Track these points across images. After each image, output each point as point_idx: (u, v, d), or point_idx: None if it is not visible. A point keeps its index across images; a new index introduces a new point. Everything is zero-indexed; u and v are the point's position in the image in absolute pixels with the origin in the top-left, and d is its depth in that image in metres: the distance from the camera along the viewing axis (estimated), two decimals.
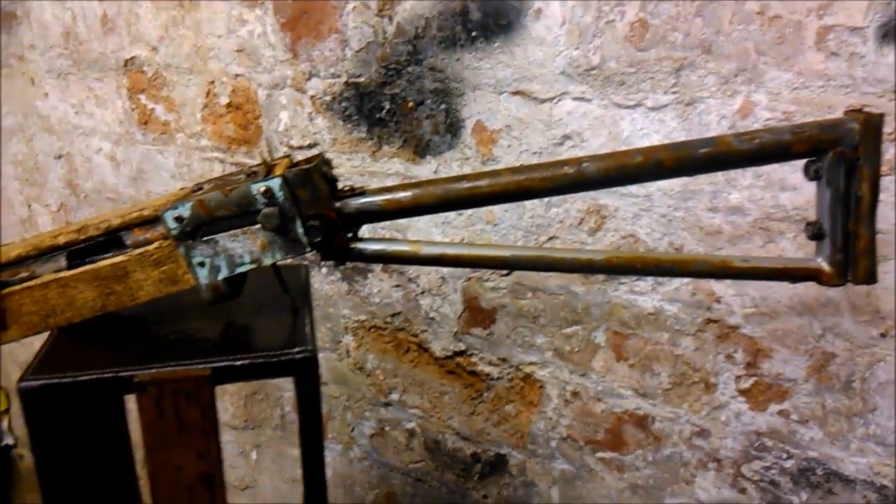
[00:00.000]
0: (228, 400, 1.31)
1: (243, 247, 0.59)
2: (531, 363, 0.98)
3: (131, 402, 0.56)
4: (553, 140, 0.89)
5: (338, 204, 0.59)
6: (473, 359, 1.03)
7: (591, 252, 0.61)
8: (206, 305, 0.60)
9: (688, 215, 0.83)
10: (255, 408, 1.29)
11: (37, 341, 0.63)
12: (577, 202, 0.90)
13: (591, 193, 0.88)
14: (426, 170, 0.99)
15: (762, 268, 0.61)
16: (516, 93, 0.89)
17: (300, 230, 0.58)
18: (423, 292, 1.05)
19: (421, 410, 1.11)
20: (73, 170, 1.39)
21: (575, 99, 0.86)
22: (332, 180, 0.60)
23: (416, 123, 0.98)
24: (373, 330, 1.12)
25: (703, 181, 0.82)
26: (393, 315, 1.09)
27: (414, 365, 1.10)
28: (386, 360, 1.12)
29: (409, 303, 1.07)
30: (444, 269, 1.02)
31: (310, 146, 1.09)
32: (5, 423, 1.75)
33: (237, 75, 1.12)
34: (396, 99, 0.98)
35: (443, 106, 0.95)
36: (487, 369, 1.03)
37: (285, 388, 1.26)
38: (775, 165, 0.78)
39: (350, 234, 0.61)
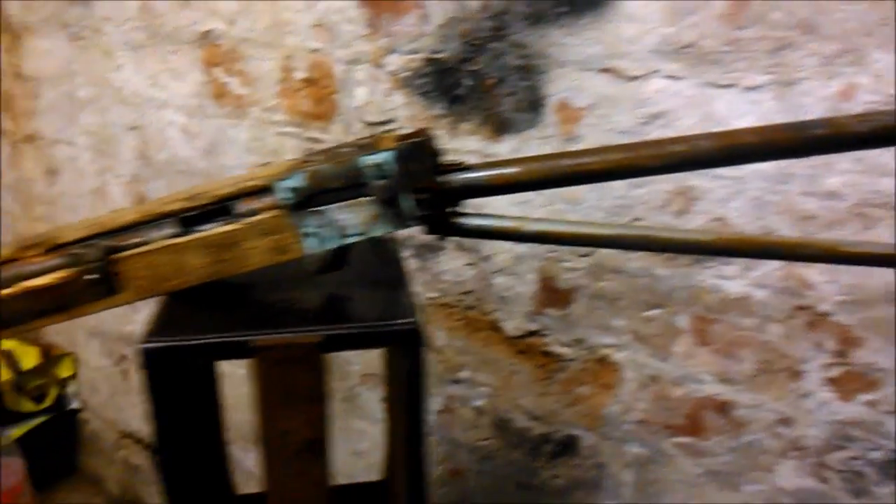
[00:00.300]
0: None
1: (352, 218, 0.59)
2: (608, 345, 0.98)
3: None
4: (641, 119, 0.87)
5: (443, 178, 0.59)
6: (547, 339, 1.03)
7: (699, 232, 0.60)
8: (311, 276, 0.60)
9: (782, 199, 0.81)
10: None
11: (106, 313, 0.64)
12: (664, 183, 0.88)
13: (680, 174, 0.87)
14: (505, 148, 0.98)
15: (871, 253, 0.60)
16: (604, 70, 0.88)
17: (408, 203, 0.58)
18: (497, 271, 1.05)
19: (490, 389, 1.11)
20: (145, 142, 1.41)
21: (666, 77, 0.84)
22: (437, 154, 0.60)
23: (496, 100, 0.97)
24: (443, 307, 1.12)
25: (801, 164, 0.80)
26: (465, 293, 1.09)
27: (485, 344, 1.10)
28: (456, 338, 1.13)
29: (481, 281, 1.07)
30: (520, 248, 1.01)
31: (385, 122, 1.09)
32: (72, 388, 1.81)
33: (314, 50, 1.13)
34: (477, 75, 0.98)
35: (525, 83, 0.94)
36: (561, 350, 1.02)
37: (354, 361, 1.28)
38: (876, 150, 0.76)
39: (453, 209, 0.61)
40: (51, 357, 1.75)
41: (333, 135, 1.16)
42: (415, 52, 1.02)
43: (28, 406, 1.72)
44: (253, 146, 1.26)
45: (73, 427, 1.86)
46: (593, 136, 0.91)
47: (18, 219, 1.78)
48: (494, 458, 1.14)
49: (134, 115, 1.41)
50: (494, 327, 1.08)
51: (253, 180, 0.62)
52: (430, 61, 1.01)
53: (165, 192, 1.47)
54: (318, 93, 1.15)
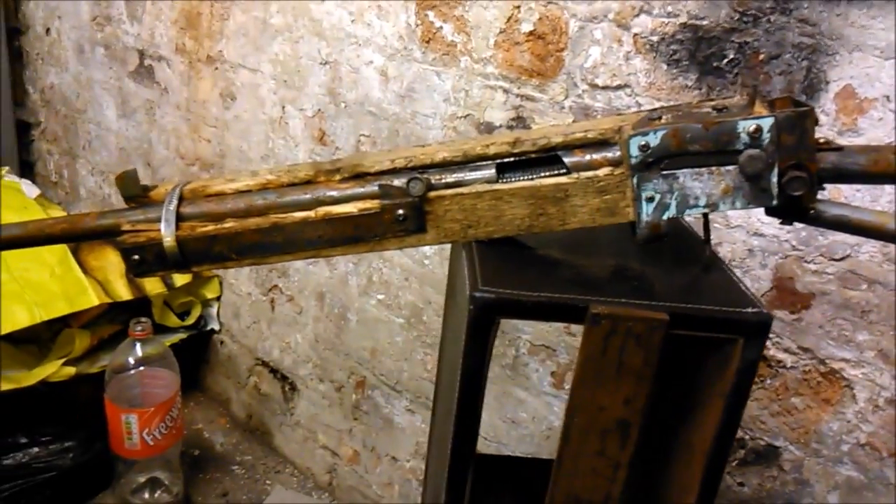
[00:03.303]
0: None
1: (703, 188, 0.54)
2: (842, 360, 0.90)
3: None
4: None
5: (816, 156, 0.53)
6: (767, 342, 0.96)
7: None
8: (638, 245, 0.56)
9: None
10: None
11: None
12: None
13: None
14: None
15: None
16: None
17: (774, 179, 0.52)
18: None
19: None
20: (337, 78, 1.39)
21: None
22: (815, 130, 0.54)
23: (763, 78, 0.89)
24: None
25: None
26: None
27: None
28: None
29: None
30: (755, 241, 0.94)
31: (619, 87, 1.03)
32: (215, 309, 1.84)
33: (550, 2, 1.07)
34: (745, 49, 0.90)
35: (804, 63, 0.86)
36: (781, 356, 0.95)
37: (524, 329, 1.24)
38: None
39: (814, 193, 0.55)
40: (199, 276, 1.79)
41: (550, 94, 1.10)
42: (672, 15, 0.95)
43: (172, 321, 1.77)
44: (455, 97, 1.22)
45: (207, 347, 1.90)
46: (877, 131, 0.83)
47: (184, 138, 1.81)
48: None
49: (329, 49, 1.39)
50: None
51: (586, 132, 0.57)
52: (687, 27, 0.94)
53: (350, 132, 1.44)
54: (543, 48, 1.09)
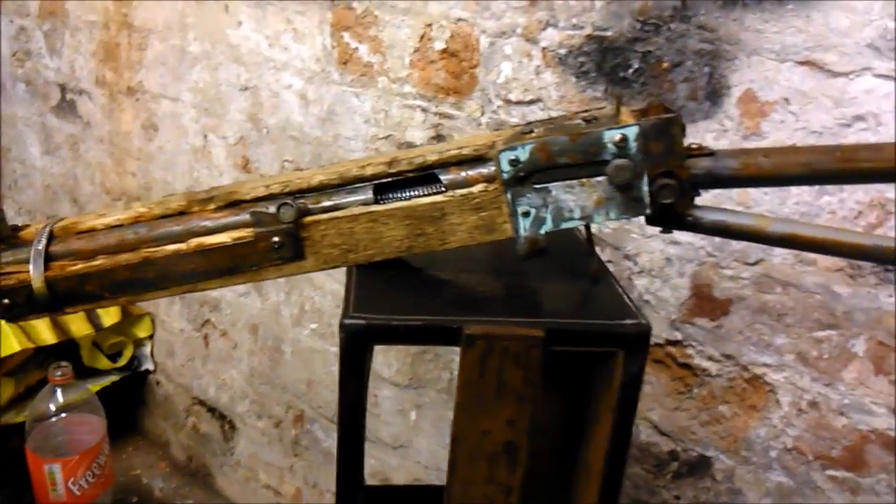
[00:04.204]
0: (394, 356, 1.27)
1: (576, 200, 0.52)
2: (764, 364, 0.89)
3: None
4: (840, 120, 0.79)
5: (688, 164, 0.52)
6: (689, 351, 0.95)
7: None
8: (521, 259, 0.54)
9: None
10: (422, 367, 1.25)
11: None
12: (857, 192, 0.79)
13: (879, 185, 0.78)
14: None
15: None
16: (804, 62, 0.79)
17: (645, 188, 0.51)
18: (640, 272, 0.97)
19: None
20: (257, 103, 1.36)
21: (878, 76, 0.76)
22: (684, 136, 0.53)
23: (668, 86, 0.89)
24: None
25: None
26: None
27: None
28: None
29: (622, 282, 0.99)
30: (673, 249, 0.93)
31: (531, 102, 1.02)
32: (148, 349, 1.78)
33: (459, 20, 1.06)
34: (648, 58, 0.90)
35: (706, 69, 0.86)
36: (705, 364, 0.94)
37: (455, 351, 1.21)
38: None
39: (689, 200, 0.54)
40: (130, 316, 1.73)
41: (467, 111, 1.09)
42: (577, 27, 0.95)
43: (103, 363, 1.70)
44: (375, 118, 1.20)
45: (142, 388, 1.83)
46: (779, 133, 0.82)
47: (109, 172, 1.76)
48: None
49: (248, 74, 1.36)
50: None
51: (461, 149, 0.55)
52: (593, 38, 0.94)
53: (273, 158, 1.42)
54: (456, 66, 1.08)
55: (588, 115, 0.54)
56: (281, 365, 1.49)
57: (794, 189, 0.83)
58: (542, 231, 0.53)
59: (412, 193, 0.55)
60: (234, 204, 0.58)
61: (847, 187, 0.80)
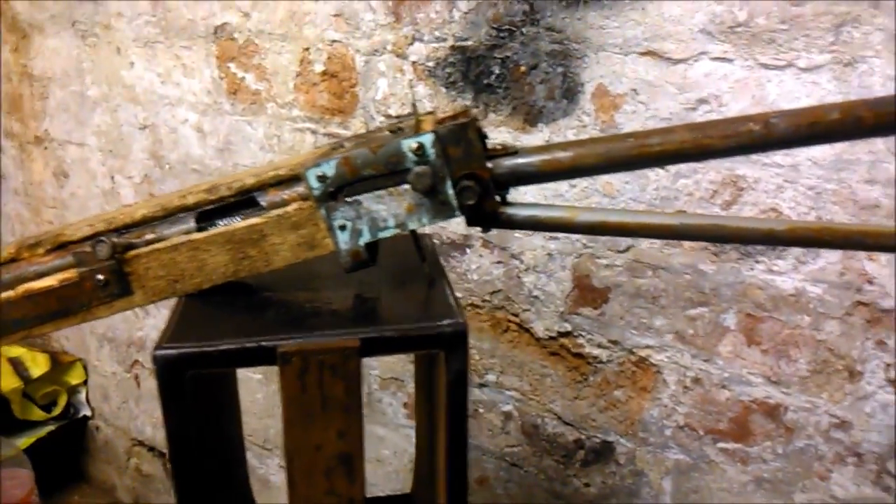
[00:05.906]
0: None
1: (388, 209, 0.54)
2: (647, 346, 0.92)
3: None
4: (686, 105, 0.82)
5: (489, 164, 0.54)
6: (580, 340, 0.98)
7: (773, 222, 0.54)
8: (339, 274, 0.55)
9: (840, 187, 0.75)
10: None
11: (117, 317, 0.59)
12: (709, 172, 0.83)
13: (727, 163, 0.81)
14: (537, 138, 0.93)
15: None
16: (646, 53, 0.83)
17: (450, 192, 0.53)
18: (527, 269, 0.99)
19: (519, 393, 1.06)
20: (157, 141, 1.37)
21: (714, 59, 0.79)
22: (483, 138, 0.55)
23: (528, 89, 0.92)
24: (469, 308, 1.07)
25: (861, 150, 0.74)
26: (492, 293, 1.04)
27: (513, 345, 1.05)
28: (482, 340, 1.07)
29: (510, 280, 1.01)
30: (553, 245, 0.96)
31: (410, 115, 1.04)
32: (83, 395, 1.76)
33: (333, 41, 1.08)
34: (507, 63, 0.93)
35: (560, 69, 0.89)
36: (596, 352, 0.97)
37: (371, 365, 1.22)
38: None
39: (499, 198, 0.56)
40: (60, 364, 1.71)
41: (353, 129, 1.11)
42: (440, 39, 0.97)
43: (37, 414, 1.68)
44: (269, 143, 1.21)
45: (83, 435, 1.81)
46: (633, 123, 0.86)
47: (27, 223, 1.74)
48: (523, 466, 1.09)
49: (145, 113, 1.36)
50: (524, 328, 1.03)
51: (277, 170, 0.57)
52: (456, 49, 0.96)
53: None
54: (337, 86, 1.10)
55: (394, 126, 0.56)
56: None
57: (651, 175, 0.86)
58: (361, 242, 0.55)
59: (234, 219, 0.57)
60: (61, 246, 0.58)
61: (699, 167, 0.83)
